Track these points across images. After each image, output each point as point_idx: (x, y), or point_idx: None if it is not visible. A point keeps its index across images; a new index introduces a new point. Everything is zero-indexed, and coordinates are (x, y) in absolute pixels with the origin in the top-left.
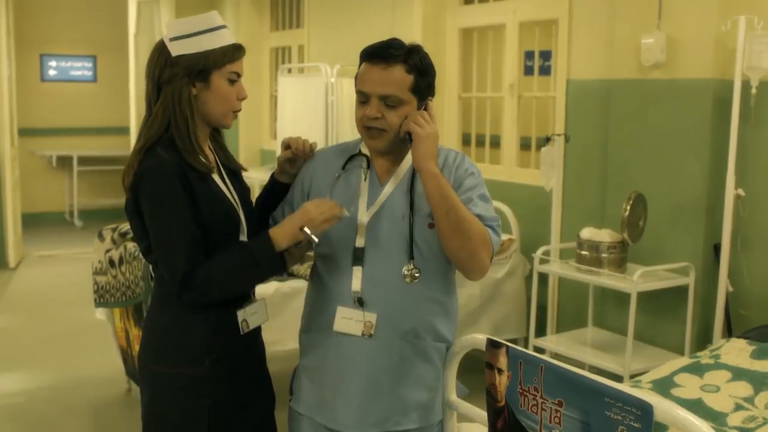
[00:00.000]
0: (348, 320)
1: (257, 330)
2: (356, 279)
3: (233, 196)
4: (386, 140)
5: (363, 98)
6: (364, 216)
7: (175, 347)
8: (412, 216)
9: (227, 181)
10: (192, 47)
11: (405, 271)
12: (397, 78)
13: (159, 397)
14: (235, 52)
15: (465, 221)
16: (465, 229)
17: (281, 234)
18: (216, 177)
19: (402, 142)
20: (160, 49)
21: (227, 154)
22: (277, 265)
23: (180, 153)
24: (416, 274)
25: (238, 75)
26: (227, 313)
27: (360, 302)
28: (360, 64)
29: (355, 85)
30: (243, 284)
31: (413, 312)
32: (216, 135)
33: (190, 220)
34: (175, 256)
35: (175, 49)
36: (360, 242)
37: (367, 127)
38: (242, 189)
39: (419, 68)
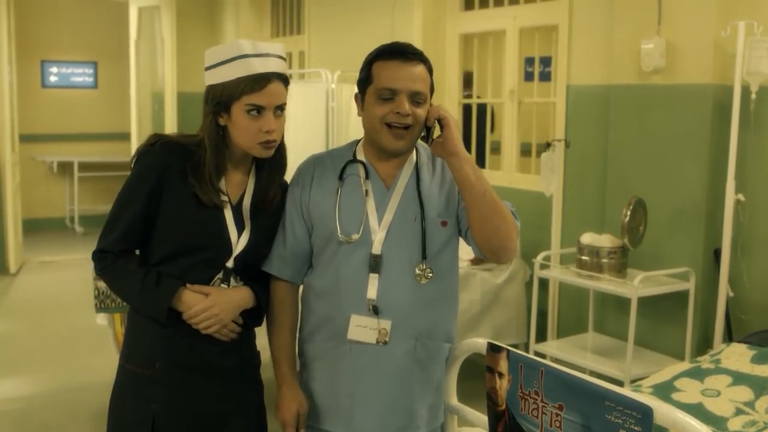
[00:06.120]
0: (362, 328)
1: (239, 351)
2: (372, 287)
3: (240, 226)
4: (409, 139)
5: (389, 95)
6: (377, 226)
7: (132, 345)
8: (423, 216)
9: (244, 212)
10: (215, 77)
11: (418, 270)
12: (423, 76)
13: (114, 391)
14: (253, 83)
15: (499, 201)
16: (501, 208)
17: (189, 299)
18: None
19: (415, 140)
20: None
21: (265, 194)
22: (159, 315)
23: (185, 157)
24: (429, 274)
25: (258, 107)
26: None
27: (375, 310)
28: (371, 63)
29: (370, 84)
30: (127, 299)
31: (426, 313)
32: (270, 167)
33: (141, 212)
34: (109, 229)
35: (206, 79)
36: (377, 249)
37: (392, 125)
38: (269, 221)
39: (430, 70)
